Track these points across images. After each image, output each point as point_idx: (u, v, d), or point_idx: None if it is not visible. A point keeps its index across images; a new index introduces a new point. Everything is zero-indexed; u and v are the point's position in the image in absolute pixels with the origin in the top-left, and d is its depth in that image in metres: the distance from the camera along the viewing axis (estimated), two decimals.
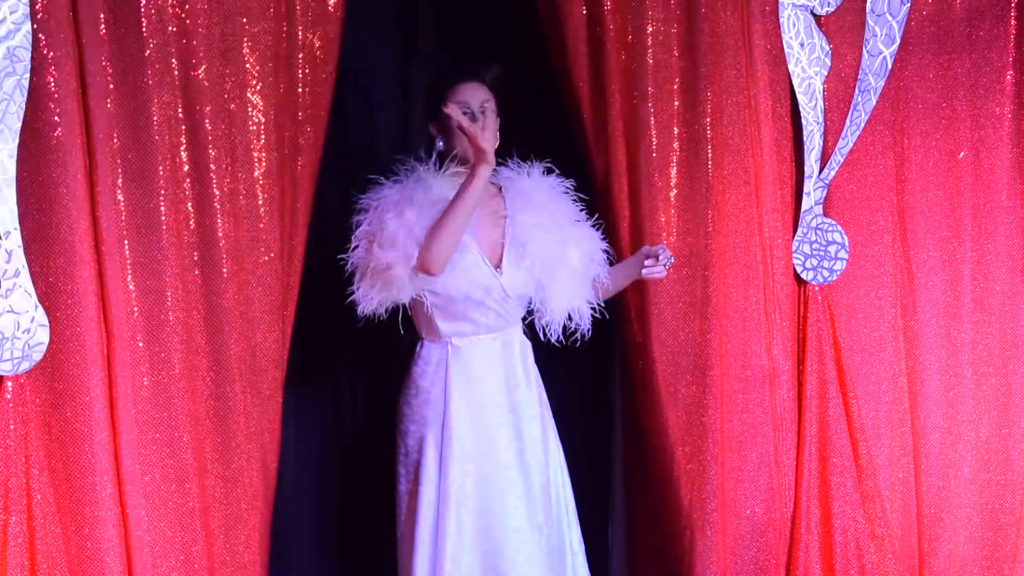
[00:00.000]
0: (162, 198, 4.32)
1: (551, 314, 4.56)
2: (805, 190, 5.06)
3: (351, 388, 5.22)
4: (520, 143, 4.68)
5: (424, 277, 4.38)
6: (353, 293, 4.46)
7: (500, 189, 4.60)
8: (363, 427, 5.20)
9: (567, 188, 4.65)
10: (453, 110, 4.39)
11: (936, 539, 5.22)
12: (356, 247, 4.45)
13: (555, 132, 4.96)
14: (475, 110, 4.48)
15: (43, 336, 4.12)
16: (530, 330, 4.64)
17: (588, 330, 4.60)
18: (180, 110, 4.36)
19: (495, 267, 4.49)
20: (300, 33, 4.51)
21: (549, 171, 4.65)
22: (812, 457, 5.05)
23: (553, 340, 4.58)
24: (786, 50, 5.01)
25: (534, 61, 4.95)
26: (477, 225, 4.49)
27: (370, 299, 4.42)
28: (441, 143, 4.54)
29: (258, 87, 4.44)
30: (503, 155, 4.60)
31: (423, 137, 4.89)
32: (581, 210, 4.67)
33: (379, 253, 4.37)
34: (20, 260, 4.08)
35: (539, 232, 4.53)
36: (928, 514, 5.22)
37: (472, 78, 4.54)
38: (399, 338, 4.89)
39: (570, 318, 4.59)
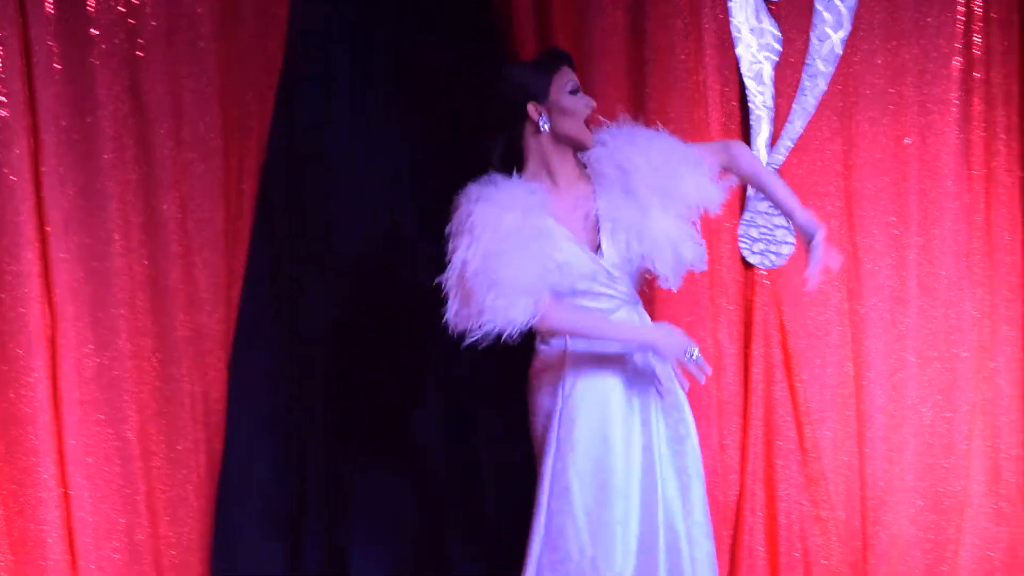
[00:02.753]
0: (108, 179, 4.34)
1: (664, 272, 4.36)
2: None
3: (300, 369, 5.17)
4: (467, 127, 4.66)
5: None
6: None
7: (585, 167, 4.42)
8: (314, 408, 5.18)
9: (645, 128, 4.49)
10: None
11: (880, 522, 5.21)
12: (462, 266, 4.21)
13: None
14: (581, 90, 4.37)
15: None
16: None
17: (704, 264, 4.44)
18: (126, 91, 4.37)
19: (594, 251, 4.33)
20: (247, 11, 4.52)
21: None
22: (757, 440, 5.06)
23: (675, 289, 4.43)
24: (735, 34, 5.01)
25: (481, 42, 4.96)
26: (567, 214, 4.35)
27: (497, 317, 4.19)
28: (547, 125, 4.31)
29: (204, 67, 4.46)
30: None
31: (383, 119, 4.95)
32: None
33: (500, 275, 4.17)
34: None
35: (626, 201, 4.35)
36: (872, 497, 5.21)
37: (568, 63, 4.38)
38: (356, 324, 4.96)
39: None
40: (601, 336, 4.29)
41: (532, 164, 4.33)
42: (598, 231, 4.32)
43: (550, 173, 4.33)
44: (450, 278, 4.19)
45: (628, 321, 4.34)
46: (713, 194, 4.40)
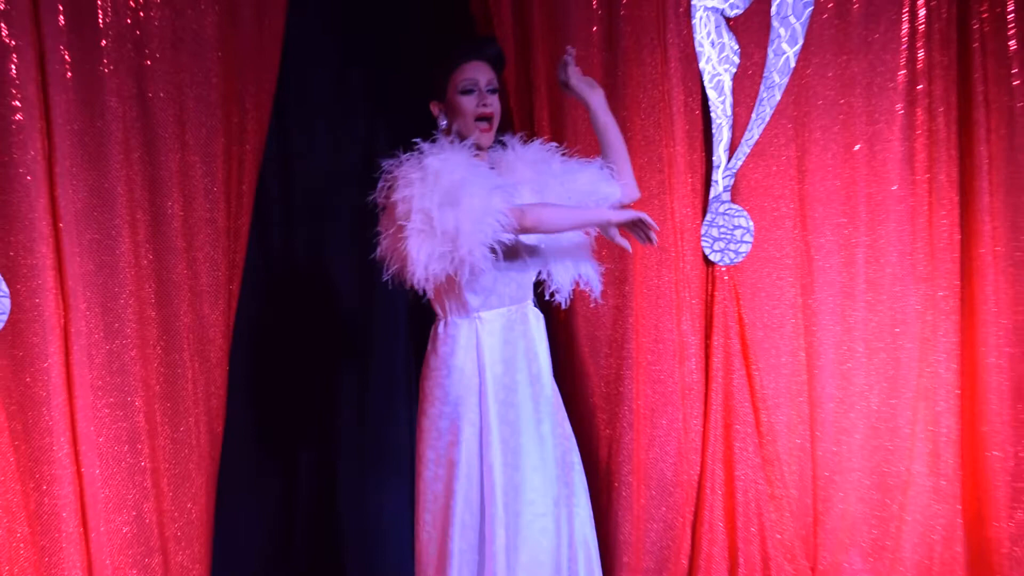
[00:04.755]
0: (117, 179, 4.38)
1: (558, 283, 4.29)
2: (713, 178, 5.16)
3: (301, 360, 5.23)
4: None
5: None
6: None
7: (491, 168, 4.26)
8: (307, 400, 5.25)
9: (551, 148, 4.36)
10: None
11: (829, 500, 5.31)
12: (409, 221, 4.00)
13: None
14: (482, 88, 4.18)
15: (4, 306, 4.18)
16: None
17: (599, 292, 4.38)
18: (134, 97, 4.42)
19: None
20: (245, 24, 4.58)
21: (529, 138, 4.43)
22: (717, 424, 5.16)
23: (563, 305, 4.35)
24: (698, 49, 5.11)
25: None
26: None
27: (437, 262, 3.99)
28: (444, 122, 4.21)
29: (206, 76, 4.52)
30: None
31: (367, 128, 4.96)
32: (564, 154, 4.37)
33: (445, 216, 3.97)
34: None
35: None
36: (822, 477, 5.31)
37: (476, 57, 4.22)
38: (345, 318, 5.00)
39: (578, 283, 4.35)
40: (573, 223, 4.11)
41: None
42: None
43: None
44: (413, 230, 3.95)
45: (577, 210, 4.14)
46: (610, 189, 4.28)
